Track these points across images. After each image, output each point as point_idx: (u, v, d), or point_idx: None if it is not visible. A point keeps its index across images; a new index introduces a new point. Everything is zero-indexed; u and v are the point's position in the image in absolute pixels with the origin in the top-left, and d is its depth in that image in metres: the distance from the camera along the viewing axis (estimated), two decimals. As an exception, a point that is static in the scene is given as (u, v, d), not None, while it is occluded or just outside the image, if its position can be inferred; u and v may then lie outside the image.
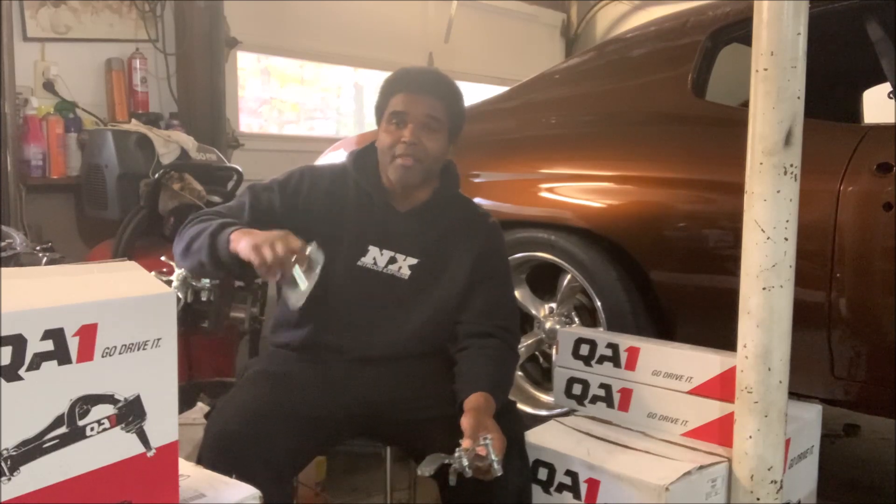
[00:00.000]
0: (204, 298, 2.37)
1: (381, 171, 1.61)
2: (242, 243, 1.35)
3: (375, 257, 1.59)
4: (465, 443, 1.30)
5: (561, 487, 1.51)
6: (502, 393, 1.52)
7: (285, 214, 1.57)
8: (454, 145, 1.66)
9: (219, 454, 1.31)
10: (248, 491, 1.02)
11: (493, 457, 1.29)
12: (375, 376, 1.55)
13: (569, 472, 1.51)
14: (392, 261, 1.59)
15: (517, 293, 2.42)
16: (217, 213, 1.54)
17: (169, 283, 1.41)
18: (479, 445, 1.29)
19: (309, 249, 1.35)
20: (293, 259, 1.31)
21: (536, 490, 1.54)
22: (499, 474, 1.29)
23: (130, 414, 0.90)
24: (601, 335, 1.79)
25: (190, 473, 1.05)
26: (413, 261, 1.59)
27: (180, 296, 1.41)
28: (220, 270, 1.45)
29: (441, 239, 1.63)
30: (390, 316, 1.58)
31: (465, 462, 1.28)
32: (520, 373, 2.47)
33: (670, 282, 2.08)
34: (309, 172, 1.64)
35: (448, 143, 1.62)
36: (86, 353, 0.85)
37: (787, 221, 1.36)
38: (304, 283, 1.33)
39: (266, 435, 1.36)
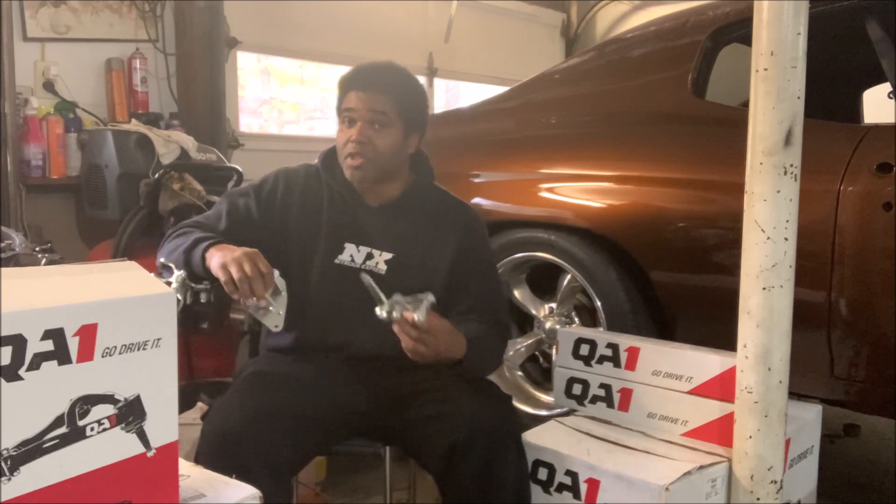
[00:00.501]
0: (203, 300, 2.38)
1: None
2: (214, 260, 1.38)
3: (352, 254, 1.59)
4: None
5: (561, 487, 1.51)
6: (479, 352, 1.50)
7: (262, 218, 1.58)
8: (419, 135, 1.64)
9: (217, 454, 1.31)
10: (248, 491, 1.02)
11: (418, 314, 1.33)
12: (368, 375, 1.55)
13: (569, 472, 1.51)
14: (369, 256, 1.59)
15: (517, 293, 2.43)
16: (195, 225, 1.56)
17: (168, 284, 1.42)
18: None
19: (276, 274, 1.39)
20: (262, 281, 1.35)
21: (536, 490, 1.54)
22: (419, 320, 1.33)
23: (130, 414, 0.90)
24: (601, 335, 1.79)
25: (190, 473, 1.05)
26: (388, 255, 1.59)
27: (179, 297, 1.41)
28: (202, 283, 1.46)
29: (417, 232, 1.62)
30: (372, 314, 1.58)
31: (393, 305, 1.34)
32: (520, 373, 2.47)
33: (670, 282, 2.08)
34: (283, 174, 1.65)
35: (404, 136, 1.60)
36: (86, 353, 0.85)
37: (787, 221, 1.35)
38: (275, 306, 1.39)
39: (264, 434, 1.35)
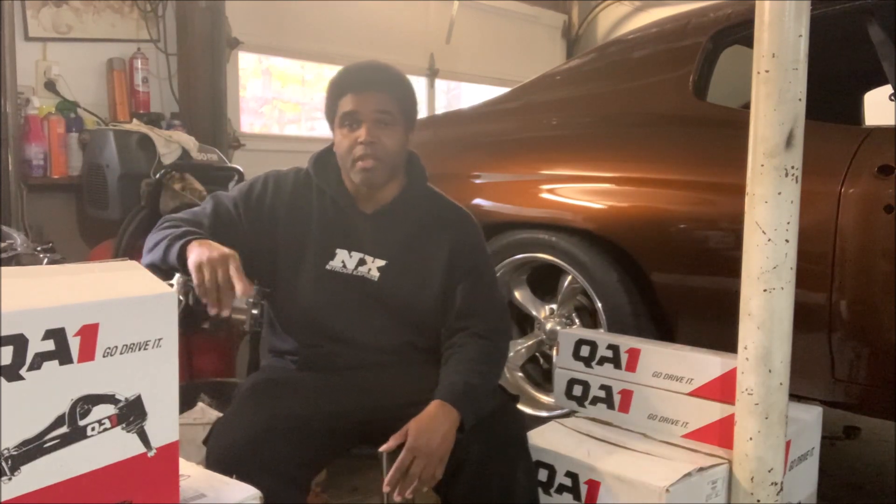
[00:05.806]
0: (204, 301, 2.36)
1: (343, 174, 1.58)
2: (192, 255, 1.32)
3: (344, 260, 1.56)
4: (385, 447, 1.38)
5: (561, 489, 1.51)
6: (473, 398, 1.45)
7: (249, 224, 1.55)
8: (412, 132, 1.62)
9: (226, 471, 1.29)
10: (249, 491, 1.02)
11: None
12: (366, 382, 1.52)
13: (569, 474, 1.51)
14: (362, 262, 1.56)
15: (518, 294, 2.43)
16: (182, 221, 1.51)
17: (170, 285, 1.41)
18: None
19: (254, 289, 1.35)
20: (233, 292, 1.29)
21: (536, 491, 1.54)
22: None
23: (131, 414, 0.90)
24: (602, 336, 1.79)
25: (190, 473, 1.05)
26: (381, 262, 1.56)
27: (180, 298, 1.40)
28: (168, 276, 1.41)
29: (411, 237, 1.59)
30: (366, 319, 1.56)
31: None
32: (520, 374, 2.47)
33: (671, 283, 2.07)
34: (273, 178, 1.61)
35: (406, 136, 1.58)
36: (87, 353, 0.85)
37: (788, 223, 1.35)
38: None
39: (272, 448, 1.33)
